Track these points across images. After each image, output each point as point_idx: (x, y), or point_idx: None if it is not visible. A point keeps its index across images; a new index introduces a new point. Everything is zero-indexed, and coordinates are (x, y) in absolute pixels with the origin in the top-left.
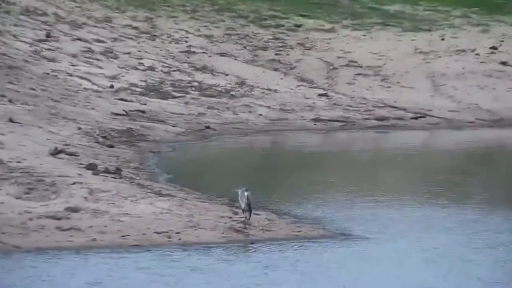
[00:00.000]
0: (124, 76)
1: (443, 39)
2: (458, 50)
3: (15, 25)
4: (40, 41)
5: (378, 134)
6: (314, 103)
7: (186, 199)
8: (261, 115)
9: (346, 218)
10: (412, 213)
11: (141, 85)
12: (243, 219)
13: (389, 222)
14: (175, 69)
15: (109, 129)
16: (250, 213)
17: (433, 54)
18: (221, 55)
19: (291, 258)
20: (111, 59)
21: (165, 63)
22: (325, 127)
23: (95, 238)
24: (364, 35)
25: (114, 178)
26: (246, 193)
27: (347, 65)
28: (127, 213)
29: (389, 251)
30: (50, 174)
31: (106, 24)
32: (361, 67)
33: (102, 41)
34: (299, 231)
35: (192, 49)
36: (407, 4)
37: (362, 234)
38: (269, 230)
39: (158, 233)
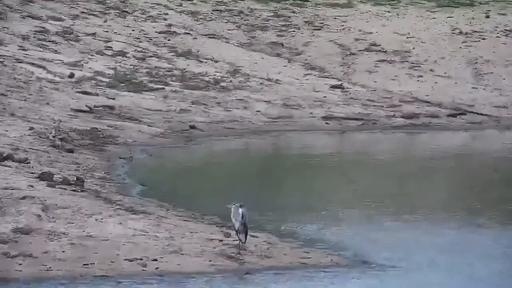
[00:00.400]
0: (87, 62)
1: (487, 17)
2: (506, 30)
3: None
4: None
5: (406, 135)
6: (325, 97)
7: (165, 218)
8: (259, 111)
9: (365, 241)
10: (446, 236)
11: (109, 75)
12: (237, 242)
13: (417, 247)
14: (151, 55)
15: (69, 129)
16: (246, 235)
17: (475, 36)
18: (209, 37)
19: None
20: (70, 42)
21: (138, 46)
22: (339, 127)
23: (50, 267)
24: (389, 12)
25: (74, 191)
26: (240, 210)
27: (367, 50)
28: (91, 236)
29: (417, 283)
30: None
31: None
32: (385, 51)
33: (59, 19)
34: (308, 258)
35: (173, 29)
36: None
37: (385, 262)
38: (270, 257)
39: (130, 260)
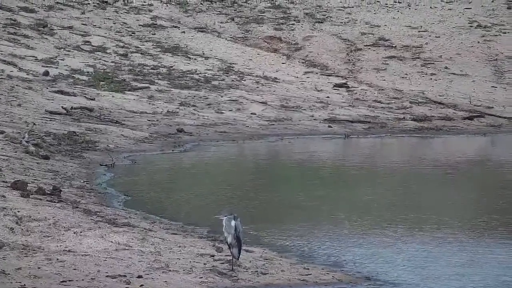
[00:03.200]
0: (63, 59)
1: (509, 8)
2: None
3: None
4: None
5: (417, 140)
6: (328, 97)
7: (150, 231)
8: (254, 114)
9: (371, 256)
10: (461, 252)
11: (88, 73)
12: (230, 257)
13: (429, 263)
14: (134, 50)
15: (44, 133)
16: (240, 249)
17: (495, 29)
18: (199, 31)
19: None
20: (45, 36)
21: (120, 41)
22: (343, 131)
23: (24, 285)
24: (399, 2)
25: (50, 201)
26: (233, 222)
27: (374, 45)
28: (69, 250)
29: None
30: None
31: None
32: (394, 47)
33: (32, 11)
34: (308, 275)
35: (159, 22)
36: None
37: (394, 279)
38: (266, 273)
39: (113, 277)
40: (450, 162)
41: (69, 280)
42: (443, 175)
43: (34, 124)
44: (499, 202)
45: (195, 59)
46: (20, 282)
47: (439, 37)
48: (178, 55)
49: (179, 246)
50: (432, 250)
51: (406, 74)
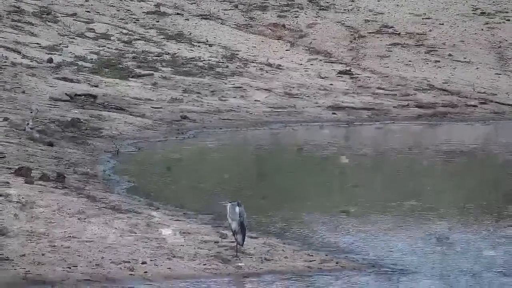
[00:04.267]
0: (67, 46)
1: None
2: None
3: None
4: None
5: (421, 127)
6: (332, 84)
7: (155, 217)
8: (258, 101)
9: (376, 243)
10: (464, 241)
11: (91, 60)
12: (234, 244)
13: (434, 251)
14: (138, 37)
15: (48, 120)
16: (244, 236)
17: (499, 16)
18: (203, 18)
19: None
20: (48, 23)
21: (124, 28)
22: (347, 118)
23: (28, 271)
24: None
25: (55, 188)
26: (237, 209)
27: (378, 32)
28: (73, 237)
29: None
30: None
31: None
32: (398, 34)
33: None
34: (312, 261)
35: (162, 10)
36: None
37: (399, 266)
38: (270, 260)
39: (117, 263)
40: (454, 149)
41: (73, 266)
42: (447, 162)
43: (38, 111)
44: (504, 189)
45: (199, 46)
46: (25, 269)
47: (442, 24)
48: (182, 42)
49: (184, 233)
50: (437, 237)
51: (410, 61)
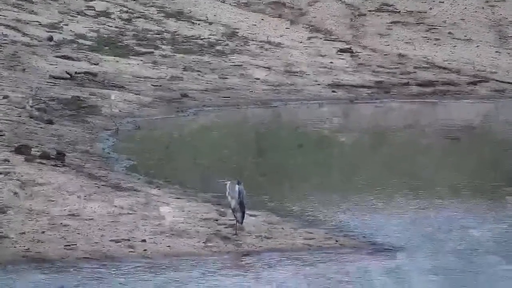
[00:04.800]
0: (67, 24)
1: None
2: None
3: None
4: None
5: (421, 105)
6: (332, 62)
7: (154, 195)
8: (258, 79)
9: (376, 221)
10: (464, 219)
11: (92, 38)
12: (234, 222)
13: (434, 229)
14: (138, 15)
15: (48, 98)
16: (243, 214)
17: None
18: None
19: (300, 276)
20: (48, 1)
21: (124, 6)
22: (347, 96)
23: (28, 249)
24: None
25: (54, 166)
26: (237, 187)
27: (378, 10)
28: (73, 214)
29: (428, 266)
30: None
31: None
32: (398, 12)
33: None
34: (311, 239)
35: None
36: None
37: (399, 245)
38: (269, 238)
39: (117, 241)
40: (453, 127)
41: (73, 244)
42: (447, 141)
43: (38, 89)
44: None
45: (199, 24)
46: (24, 246)
47: (443, 2)
48: (182, 20)
49: (183, 211)
50: (436, 216)
51: (410, 39)
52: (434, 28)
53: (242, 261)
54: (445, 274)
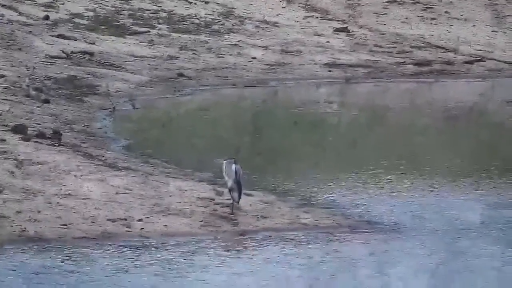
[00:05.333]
0: (63, 3)
1: None
2: None
3: None
4: None
5: (418, 85)
6: (328, 42)
7: (151, 175)
8: (255, 58)
9: (373, 201)
10: (461, 200)
11: (88, 17)
12: (230, 201)
13: (428, 209)
14: None
15: (44, 77)
16: (240, 193)
17: None
18: None
19: (296, 255)
20: None
21: None
22: (343, 75)
23: (24, 228)
24: None
25: (51, 145)
26: (234, 166)
27: None
28: (69, 194)
29: (424, 246)
30: None
31: None
32: None
33: None
34: (307, 219)
35: None
36: None
37: (395, 224)
38: (266, 217)
39: (113, 220)
40: (450, 106)
41: (70, 224)
42: (444, 120)
43: (35, 68)
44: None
45: (195, 3)
46: (21, 226)
47: None
48: (178, 0)
49: (180, 190)
50: (432, 196)
51: (406, 18)
52: (430, 8)
53: (238, 240)
54: (441, 254)
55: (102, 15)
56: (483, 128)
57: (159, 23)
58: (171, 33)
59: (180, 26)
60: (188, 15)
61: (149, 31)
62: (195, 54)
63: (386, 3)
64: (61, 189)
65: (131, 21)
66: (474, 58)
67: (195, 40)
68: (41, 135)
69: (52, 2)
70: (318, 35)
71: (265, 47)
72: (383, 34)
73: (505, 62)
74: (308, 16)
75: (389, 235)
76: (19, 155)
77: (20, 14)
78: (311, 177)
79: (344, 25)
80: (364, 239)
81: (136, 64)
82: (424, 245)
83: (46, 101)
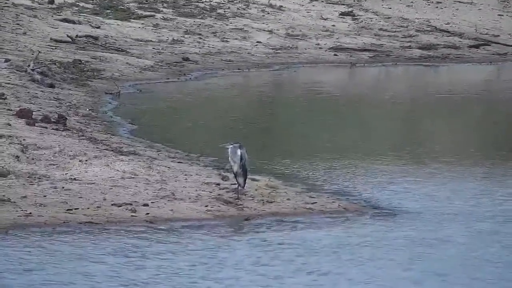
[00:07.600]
0: None
1: None
2: None
3: None
4: None
5: (423, 68)
6: (334, 25)
7: (156, 159)
8: (260, 42)
9: (378, 185)
10: (466, 184)
11: (93, 1)
12: (236, 186)
13: (438, 194)
14: None
15: (49, 61)
16: (245, 178)
17: None
18: None
19: (302, 240)
20: None
21: None
22: (349, 59)
23: (30, 213)
24: None
25: (56, 129)
26: (239, 151)
27: None
28: (75, 178)
29: (429, 230)
30: None
31: None
32: None
33: None
34: (313, 203)
35: None
36: None
37: (401, 208)
38: (272, 202)
39: (118, 205)
40: (454, 90)
41: (75, 209)
42: (450, 104)
43: (39, 52)
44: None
45: None
46: (26, 210)
47: None
48: None
49: (185, 175)
50: (438, 181)
51: (412, 2)
52: None
53: (244, 225)
54: (447, 240)
55: None
56: (487, 112)
57: (164, 7)
58: (176, 17)
59: (185, 10)
60: None
61: (154, 15)
62: (200, 38)
63: None
64: (67, 173)
65: (136, 5)
66: (480, 42)
67: (200, 24)
68: (46, 120)
69: None
70: (324, 19)
71: (270, 31)
72: (388, 18)
73: (511, 46)
74: (314, 0)
75: (395, 219)
76: (24, 139)
77: None
78: (317, 161)
79: (350, 9)
80: (369, 223)
81: (141, 48)
82: (431, 231)
83: (51, 86)
